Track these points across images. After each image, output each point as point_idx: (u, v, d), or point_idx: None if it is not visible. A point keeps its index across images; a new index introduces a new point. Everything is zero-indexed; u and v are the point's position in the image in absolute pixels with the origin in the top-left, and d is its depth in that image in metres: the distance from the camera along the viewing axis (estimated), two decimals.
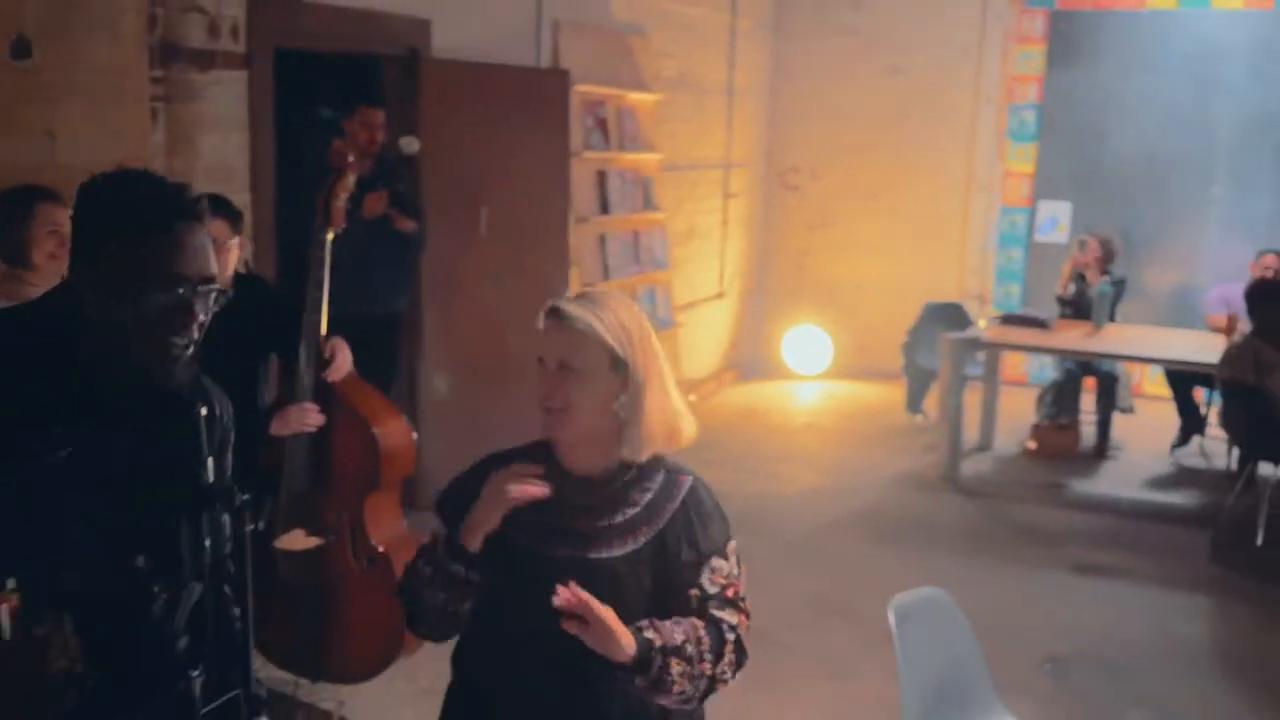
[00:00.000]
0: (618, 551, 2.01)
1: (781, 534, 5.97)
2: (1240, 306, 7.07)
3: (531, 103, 6.15)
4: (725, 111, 8.78)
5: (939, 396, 7.14)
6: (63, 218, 3.26)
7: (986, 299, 9.12)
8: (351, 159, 3.65)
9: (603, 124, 6.97)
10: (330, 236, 3.60)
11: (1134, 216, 8.68)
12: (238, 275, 3.72)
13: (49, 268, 3.25)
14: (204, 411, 1.77)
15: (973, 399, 7.34)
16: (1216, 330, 7.26)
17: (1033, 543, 5.99)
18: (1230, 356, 5.98)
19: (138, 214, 1.76)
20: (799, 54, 9.40)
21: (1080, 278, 7.50)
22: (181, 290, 1.75)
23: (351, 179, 3.64)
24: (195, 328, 1.78)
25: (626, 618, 1.89)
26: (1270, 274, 7.27)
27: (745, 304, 9.53)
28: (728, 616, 2.05)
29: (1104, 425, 7.49)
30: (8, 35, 3.86)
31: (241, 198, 4.82)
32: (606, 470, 2.04)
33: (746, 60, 9.01)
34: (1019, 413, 7.88)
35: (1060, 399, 7.56)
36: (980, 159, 9.09)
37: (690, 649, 1.95)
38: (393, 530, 3.74)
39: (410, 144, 5.40)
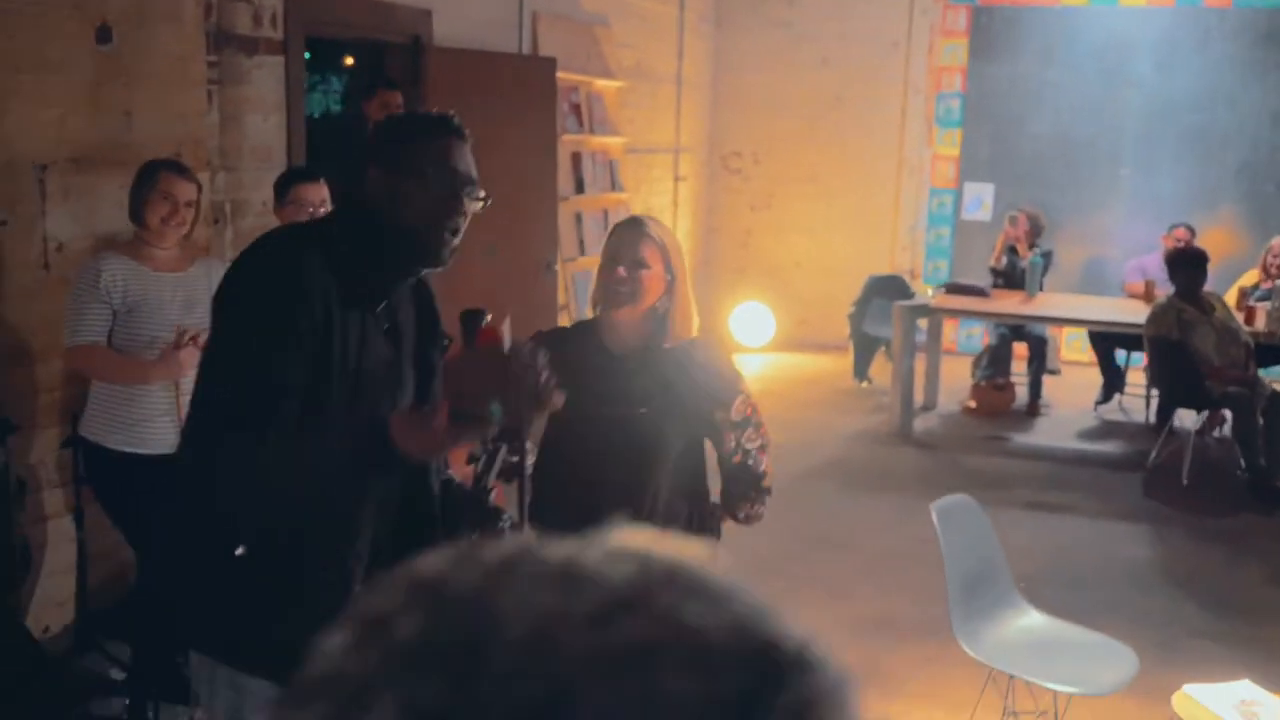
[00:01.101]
0: (648, 408, 2.71)
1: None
2: (1156, 275, 7.85)
3: (522, 88, 6.59)
4: (675, 99, 9.29)
5: (892, 360, 7.75)
6: (180, 187, 3.63)
7: (917, 274, 9.79)
8: None
9: (576, 109, 7.43)
10: None
11: (1050, 196, 9.41)
12: None
13: (162, 231, 3.61)
14: None
15: (915, 365, 7.97)
16: (1135, 297, 8.03)
17: (985, 486, 6.61)
18: (1155, 316, 6.69)
19: (424, 129, 2.15)
20: (739, 46, 9.96)
21: (1011, 250, 8.19)
22: (453, 182, 2.11)
23: None
24: (461, 218, 2.14)
25: (664, 463, 2.66)
26: (1182, 244, 8.05)
27: (693, 281, 10.02)
28: (752, 441, 2.82)
29: (1036, 385, 8.20)
30: (93, 23, 4.20)
31: (276, 175, 5.19)
32: (640, 348, 2.75)
33: (693, 51, 9.54)
34: (954, 377, 8.54)
35: (995, 362, 8.24)
36: (910, 144, 9.76)
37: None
38: None
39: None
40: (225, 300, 2.08)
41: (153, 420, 3.55)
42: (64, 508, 4.26)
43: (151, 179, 3.59)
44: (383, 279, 2.16)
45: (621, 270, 2.68)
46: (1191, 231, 8.14)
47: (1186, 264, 6.67)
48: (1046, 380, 8.35)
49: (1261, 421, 6.49)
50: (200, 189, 3.68)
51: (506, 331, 2.01)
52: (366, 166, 2.14)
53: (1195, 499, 6.43)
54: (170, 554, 2.20)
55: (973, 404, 8.17)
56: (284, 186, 3.98)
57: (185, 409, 3.49)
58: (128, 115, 4.37)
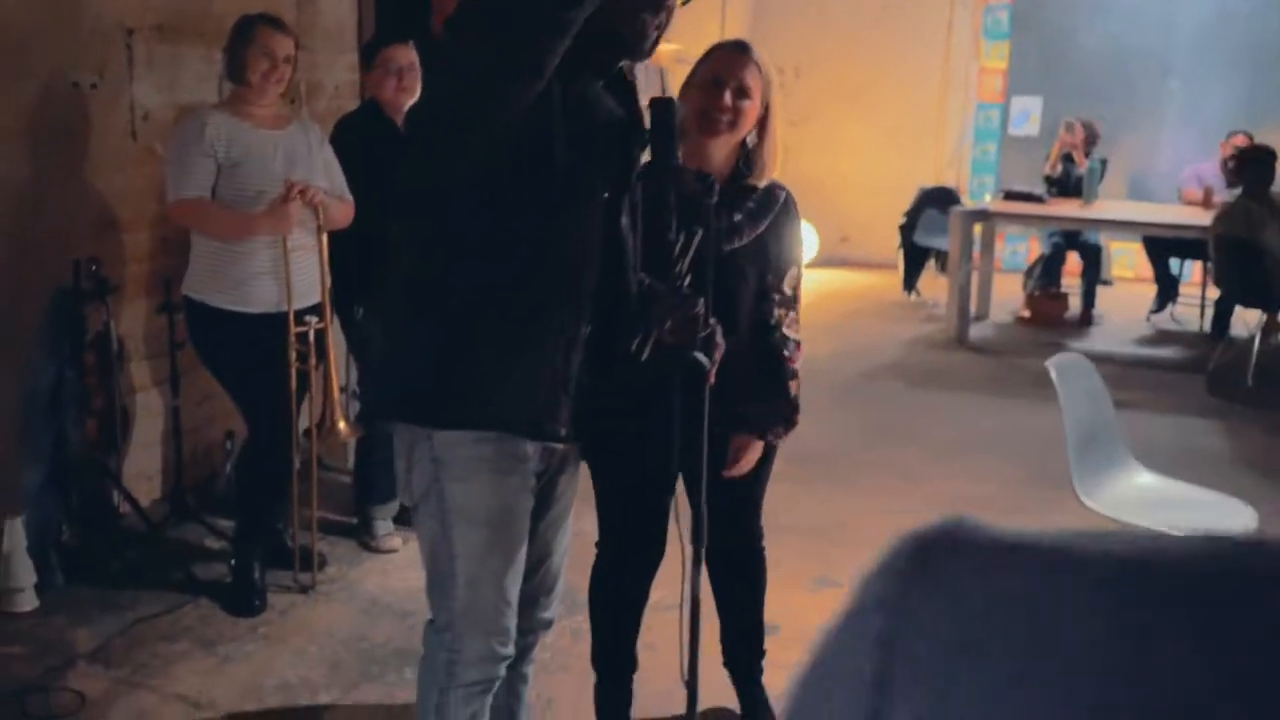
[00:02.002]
0: (736, 245, 2.59)
1: (823, 383, 6.47)
2: (1214, 182, 7.77)
3: None
4: (720, 8, 9.16)
5: (942, 273, 7.70)
6: (278, 42, 3.55)
7: (962, 190, 9.69)
8: None
9: None
10: None
11: (1099, 109, 9.26)
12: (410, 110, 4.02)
13: (262, 87, 3.55)
14: None
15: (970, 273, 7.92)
16: (1192, 204, 7.95)
17: (1047, 384, 6.56)
18: (1223, 214, 6.62)
19: None
20: None
21: (1067, 158, 8.10)
22: None
23: None
24: (665, 11, 2.04)
25: (740, 304, 2.54)
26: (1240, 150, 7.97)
27: None
28: (792, 329, 2.69)
29: (1089, 295, 8.14)
30: None
31: (349, 57, 5.12)
32: (727, 181, 2.57)
33: None
34: (1002, 291, 8.49)
35: (1048, 271, 8.18)
36: (956, 57, 9.64)
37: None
38: None
39: None
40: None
41: (258, 278, 3.51)
42: (150, 381, 4.24)
43: (249, 34, 3.52)
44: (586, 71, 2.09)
45: (727, 97, 2.54)
46: (1250, 138, 8.04)
47: (1255, 161, 6.60)
48: (1098, 292, 8.29)
49: None
50: (298, 43, 3.61)
51: None
52: None
53: (1260, 399, 6.39)
54: (383, 318, 2.18)
55: (1026, 313, 8.11)
56: (373, 49, 3.91)
57: (291, 267, 3.49)
58: None
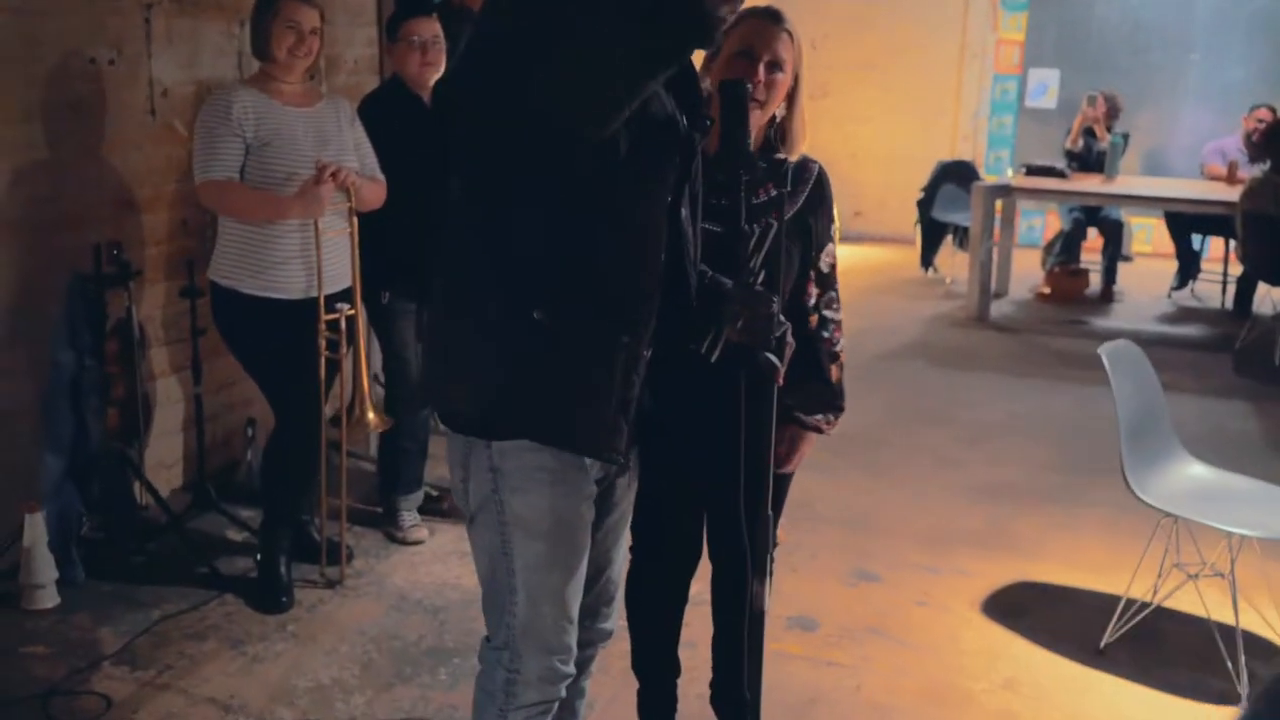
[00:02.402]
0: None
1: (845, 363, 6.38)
2: (1238, 157, 7.65)
3: None
4: None
5: (961, 248, 7.59)
6: (304, 13, 3.40)
7: (979, 164, 9.56)
8: None
9: None
10: None
11: (1118, 82, 9.13)
12: (437, 85, 3.88)
13: (289, 63, 3.40)
14: None
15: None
16: (1216, 179, 7.83)
17: (1073, 365, 6.50)
18: (1251, 190, 6.50)
19: None
20: None
21: (1089, 132, 7.97)
22: None
23: None
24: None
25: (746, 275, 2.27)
26: (1261, 125, 7.84)
27: None
28: (832, 309, 2.57)
29: (1110, 271, 8.03)
30: None
31: (368, 31, 4.99)
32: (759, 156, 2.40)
33: None
34: (1020, 267, 8.38)
35: (1068, 247, 8.07)
36: (973, 28, 9.49)
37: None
38: None
39: None
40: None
41: (288, 263, 3.38)
42: (170, 367, 4.13)
43: (273, 8, 3.38)
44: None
45: (760, 72, 2.35)
46: (1274, 111, 7.91)
47: None
48: (1119, 268, 8.18)
49: None
50: (323, 15, 3.48)
51: None
52: None
53: None
54: (442, 320, 2.05)
55: (1046, 290, 8.01)
56: (395, 23, 3.77)
57: (323, 251, 3.37)
58: None
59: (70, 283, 3.57)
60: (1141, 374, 3.59)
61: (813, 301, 2.51)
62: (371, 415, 3.59)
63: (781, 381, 2.13)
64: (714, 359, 2.08)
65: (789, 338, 2.14)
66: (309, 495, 3.70)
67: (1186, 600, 3.56)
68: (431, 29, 3.74)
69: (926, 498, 4.56)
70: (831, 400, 2.56)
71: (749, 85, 2.12)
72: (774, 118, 2.41)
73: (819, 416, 2.55)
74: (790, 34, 2.38)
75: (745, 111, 2.06)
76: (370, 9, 4.96)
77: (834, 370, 2.56)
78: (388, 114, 3.74)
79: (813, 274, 2.51)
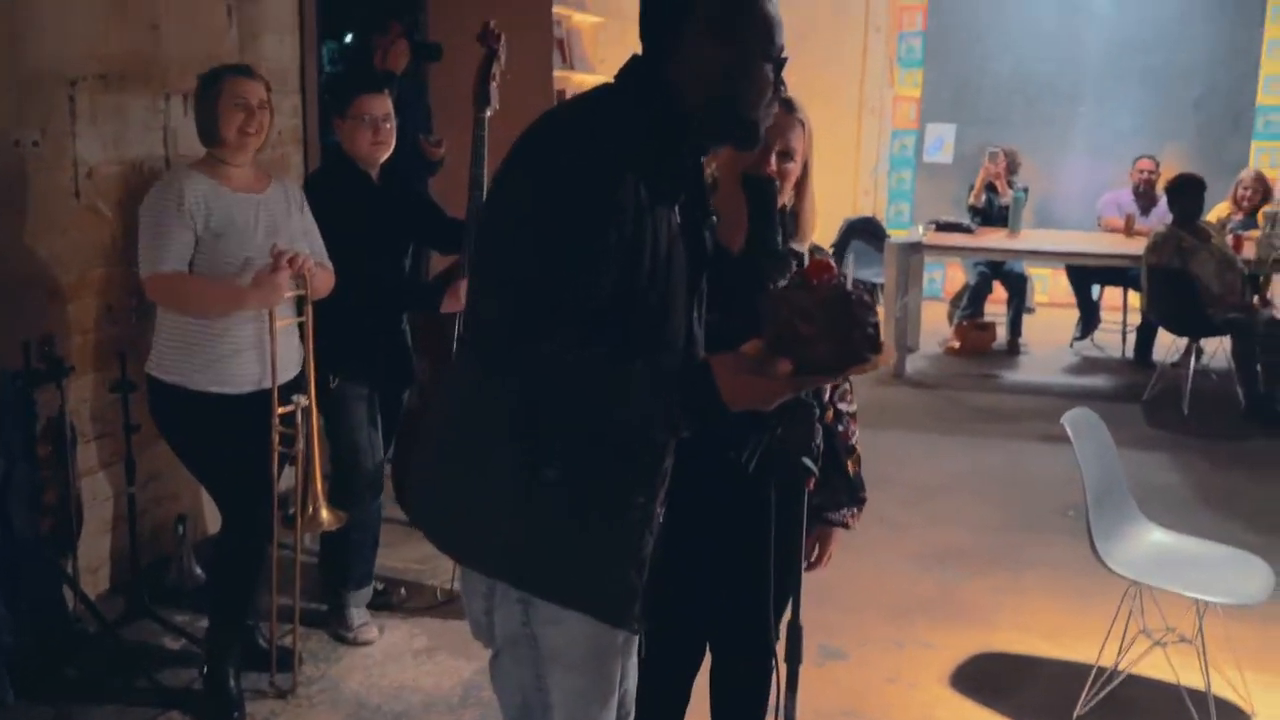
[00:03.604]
0: None
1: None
2: (1132, 209, 7.91)
3: (517, 17, 6.25)
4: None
5: (884, 301, 7.65)
6: (250, 89, 3.26)
7: (879, 218, 9.71)
8: (502, 39, 3.78)
9: (560, 44, 7.12)
10: (488, 114, 3.73)
11: (1011, 135, 9.37)
12: (384, 167, 3.75)
13: (240, 143, 3.25)
14: None
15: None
16: (1113, 231, 8.08)
17: (995, 420, 6.60)
18: (1156, 244, 6.71)
19: None
20: None
21: (990, 188, 8.15)
22: (777, 46, 1.81)
23: (503, 58, 3.77)
24: (773, 95, 1.84)
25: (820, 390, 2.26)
26: (1146, 176, 8.14)
27: None
28: (846, 401, 2.56)
29: (1016, 323, 8.21)
30: None
31: (292, 100, 4.83)
32: None
33: None
34: (925, 320, 8.50)
35: (975, 301, 8.22)
36: (871, 85, 9.66)
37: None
38: None
39: None
40: (521, 193, 1.76)
41: (239, 355, 3.21)
42: (98, 463, 3.90)
43: (217, 86, 3.23)
44: (686, 168, 1.88)
45: (772, 164, 2.33)
46: (1156, 162, 8.22)
47: (1185, 191, 6.69)
48: (1023, 319, 8.36)
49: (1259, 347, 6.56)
50: (268, 87, 3.34)
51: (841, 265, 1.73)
52: (678, 34, 1.79)
53: (1199, 426, 6.49)
54: (454, 469, 1.90)
55: (956, 344, 8.14)
56: (346, 97, 3.64)
57: (277, 340, 3.21)
58: (154, 28, 3.99)
59: None
60: (1101, 440, 3.62)
61: (827, 395, 2.46)
62: (325, 513, 3.43)
63: (813, 487, 2.06)
64: (751, 469, 2.01)
65: (820, 440, 2.08)
66: (257, 600, 3.51)
67: (1154, 666, 3.59)
68: (384, 107, 3.62)
69: (879, 565, 4.54)
70: (853, 494, 2.52)
71: (776, 182, 2.06)
72: (783, 206, 2.36)
73: (843, 512, 2.50)
74: (803, 123, 2.34)
75: (774, 208, 2.01)
76: (294, 77, 4.81)
77: (851, 464, 2.51)
78: (337, 193, 3.60)
79: None
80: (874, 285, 1.86)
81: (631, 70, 1.86)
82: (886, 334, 7.41)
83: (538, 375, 1.70)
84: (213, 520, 4.14)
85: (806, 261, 2.37)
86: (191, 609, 3.85)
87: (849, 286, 1.68)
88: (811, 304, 1.64)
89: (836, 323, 1.62)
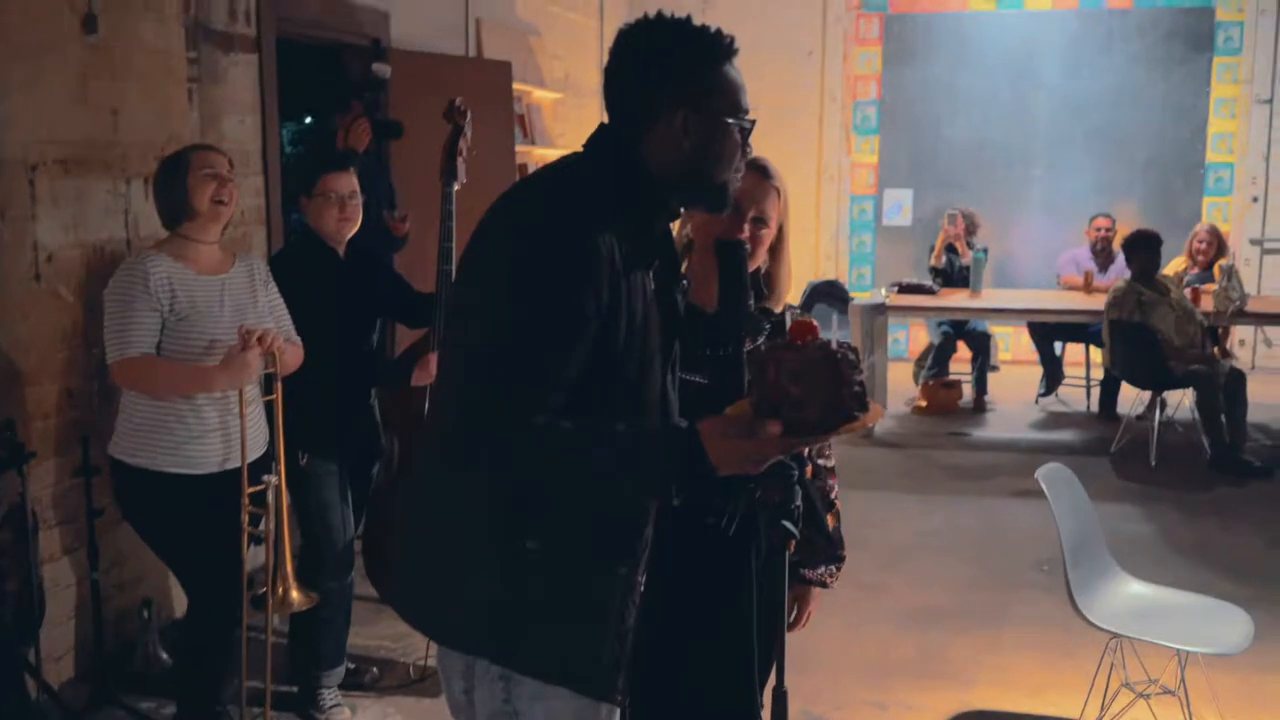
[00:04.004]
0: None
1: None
2: (1089, 266, 8.02)
3: (479, 93, 6.31)
4: (598, 114, 9.11)
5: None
6: (217, 160, 3.29)
7: (842, 282, 9.80)
8: (468, 114, 3.81)
9: (521, 119, 7.19)
10: (455, 189, 3.75)
11: (967, 198, 9.52)
12: (350, 243, 3.76)
13: (214, 213, 3.25)
14: None
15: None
16: (1072, 288, 8.17)
17: (965, 478, 6.61)
18: (1116, 300, 6.79)
19: (712, 50, 1.82)
20: None
21: (951, 249, 8.25)
22: (744, 114, 1.85)
23: (469, 133, 3.80)
24: (742, 158, 1.87)
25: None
26: (1104, 234, 8.27)
27: None
28: (825, 456, 2.53)
29: (981, 381, 8.26)
30: (79, 12, 3.81)
31: (255, 181, 4.84)
32: None
33: None
34: (892, 381, 8.55)
35: (940, 360, 8.27)
36: (828, 152, 9.80)
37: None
38: None
39: (383, 69, 5.52)
40: (495, 264, 1.75)
41: (205, 437, 3.17)
42: (61, 549, 3.82)
43: (184, 162, 3.23)
44: (659, 235, 1.89)
45: (746, 229, 2.33)
46: (1112, 220, 8.35)
47: (1143, 247, 6.79)
48: (988, 377, 8.42)
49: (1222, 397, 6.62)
50: (231, 163, 3.34)
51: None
52: (651, 106, 1.81)
53: (1167, 478, 6.52)
54: (431, 543, 1.87)
55: (922, 403, 8.17)
56: (311, 176, 3.65)
57: (246, 420, 3.18)
58: (114, 113, 3.99)
59: None
60: (1074, 494, 3.63)
61: (807, 451, 2.44)
62: (295, 594, 3.37)
63: (793, 549, 2.04)
64: (731, 532, 1.99)
65: (799, 500, 2.06)
66: (227, 683, 3.43)
67: (1138, 719, 3.57)
68: (349, 184, 3.63)
69: (858, 627, 4.51)
70: (832, 552, 2.50)
71: (747, 246, 2.08)
72: (757, 270, 2.37)
73: (821, 570, 2.48)
74: (778, 190, 2.36)
75: (745, 273, 2.01)
76: (256, 158, 4.82)
77: (830, 519, 2.49)
78: (304, 269, 3.59)
79: None
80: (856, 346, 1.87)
81: (601, 139, 1.88)
82: None
83: (519, 447, 1.68)
84: (179, 604, 4.07)
85: (788, 323, 2.38)
86: (158, 695, 3.76)
87: (834, 346, 1.68)
88: (799, 364, 1.64)
89: (825, 382, 1.63)
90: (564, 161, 1.92)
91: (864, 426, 1.72)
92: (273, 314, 3.37)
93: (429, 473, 1.87)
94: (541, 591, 1.79)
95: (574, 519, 1.79)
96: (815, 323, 1.79)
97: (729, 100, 1.84)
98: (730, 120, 1.83)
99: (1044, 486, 3.47)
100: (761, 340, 2.31)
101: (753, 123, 1.86)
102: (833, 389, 1.63)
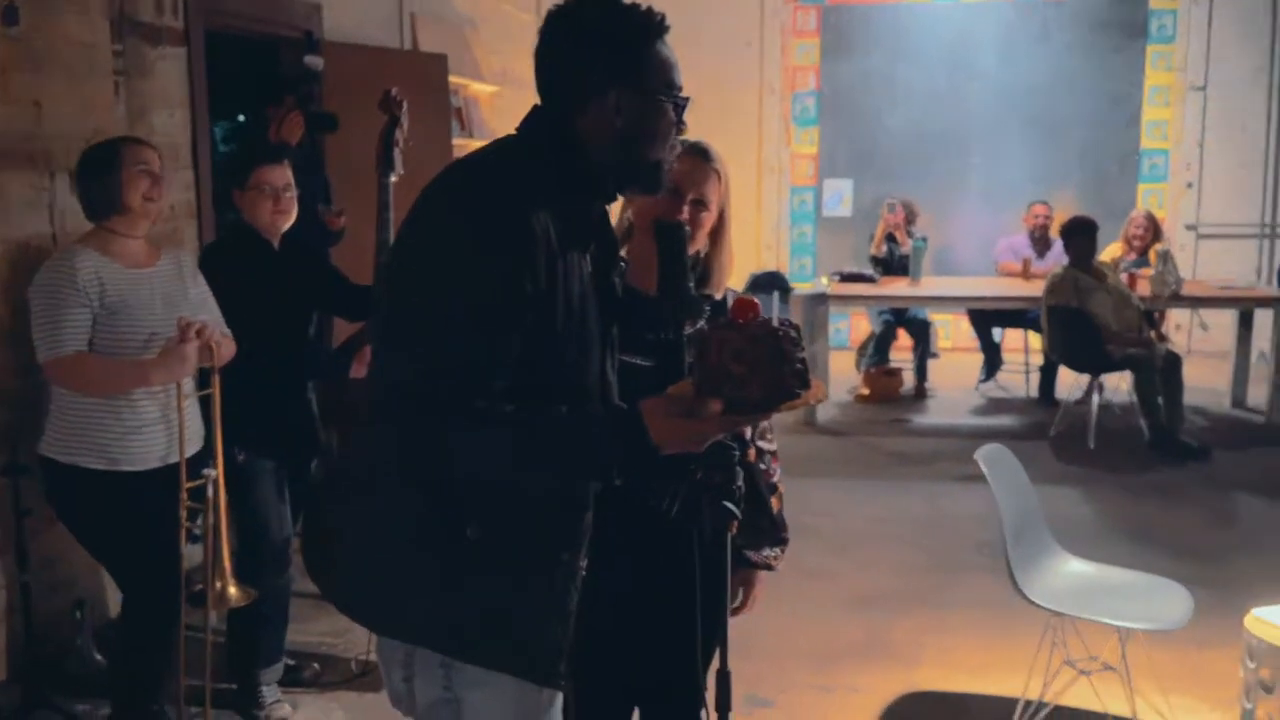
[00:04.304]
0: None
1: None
2: (1027, 253, 8.10)
3: (415, 86, 6.24)
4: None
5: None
6: (150, 155, 3.23)
7: (783, 273, 9.83)
8: (405, 105, 3.76)
9: (458, 112, 7.13)
10: (393, 180, 3.70)
11: (906, 188, 9.56)
12: (285, 236, 3.70)
13: (144, 209, 3.20)
14: None
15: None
16: (1011, 275, 8.25)
17: (910, 464, 6.66)
18: (1054, 286, 6.86)
19: (643, 29, 1.81)
20: None
21: (890, 238, 8.30)
22: (678, 93, 1.83)
23: (405, 124, 3.75)
24: (676, 136, 1.86)
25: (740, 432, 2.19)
26: (1041, 221, 8.35)
27: None
28: (767, 440, 2.51)
29: (922, 369, 8.32)
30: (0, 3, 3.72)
31: (185, 175, 4.76)
32: None
33: None
34: (834, 370, 8.58)
35: (881, 348, 8.32)
36: (768, 144, 9.82)
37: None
38: None
39: (315, 61, 5.45)
40: (429, 247, 1.73)
41: (143, 430, 3.11)
42: None
43: (118, 156, 3.16)
44: (593, 216, 1.87)
45: (686, 211, 2.31)
46: (1049, 206, 8.44)
47: (1080, 233, 6.87)
48: (929, 365, 8.48)
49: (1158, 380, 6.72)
50: (160, 158, 3.28)
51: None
52: (582, 85, 1.79)
53: (1106, 460, 6.60)
54: (369, 534, 1.84)
55: (865, 391, 8.22)
56: (245, 169, 3.59)
57: (185, 412, 3.12)
58: (37, 106, 3.89)
59: None
60: (1015, 475, 3.66)
61: (749, 434, 2.44)
62: (233, 590, 3.31)
63: (735, 530, 2.03)
64: (673, 514, 1.97)
65: (740, 481, 2.05)
66: (164, 682, 3.36)
67: (1080, 697, 3.60)
68: (284, 177, 3.58)
69: (803, 612, 4.51)
70: (775, 534, 2.48)
71: (686, 228, 2.06)
72: (697, 253, 2.36)
73: (766, 553, 2.47)
74: (718, 173, 2.35)
75: (684, 254, 1.99)
76: (186, 151, 4.73)
77: (774, 501, 2.48)
78: (238, 262, 3.53)
79: None
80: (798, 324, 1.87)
81: (534, 120, 1.86)
82: None
83: (460, 432, 1.65)
84: (113, 604, 3.99)
85: (729, 304, 2.37)
86: (93, 696, 3.68)
87: (775, 324, 1.67)
88: (741, 342, 1.63)
89: (767, 360, 1.62)
90: (498, 143, 1.90)
91: (806, 404, 1.72)
92: (203, 307, 3.31)
93: (366, 461, 1.84)
94: (482, 579, 1.77)
95: (514, 506, 1.77)
96: (757, 301, 1.78)
97: (661, 78, 1.82)
98: (662, 98, 1.81)
99: (984, 467, 3.49)
100: (702, 323, 2.30)
101: (686, 100, 1.85)
102: (775, 367, 1.63)
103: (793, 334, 1.67)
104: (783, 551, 2.53)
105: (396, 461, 1.75)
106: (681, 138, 2.34)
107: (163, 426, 3.13)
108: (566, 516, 1.87)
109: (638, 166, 1.84)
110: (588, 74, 1.79)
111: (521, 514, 1.78)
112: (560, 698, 2.08)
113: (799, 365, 1.65)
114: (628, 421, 1.64)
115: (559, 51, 1.83)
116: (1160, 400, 6.71)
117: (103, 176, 3.16)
